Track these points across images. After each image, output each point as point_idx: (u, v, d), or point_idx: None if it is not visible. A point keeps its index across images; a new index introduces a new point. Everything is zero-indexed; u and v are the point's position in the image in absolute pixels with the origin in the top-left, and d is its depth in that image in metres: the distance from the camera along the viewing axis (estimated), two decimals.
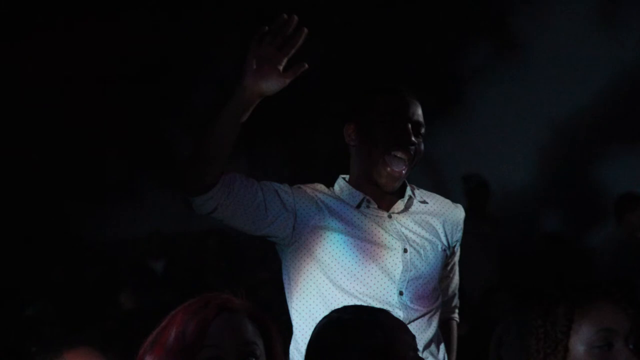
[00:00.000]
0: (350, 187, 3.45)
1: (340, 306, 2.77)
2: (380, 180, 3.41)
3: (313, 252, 3.36)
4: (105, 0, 9.91)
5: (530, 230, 9.97)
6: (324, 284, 3.34)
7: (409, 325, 2.90)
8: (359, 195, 3.43)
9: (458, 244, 3.57)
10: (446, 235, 3.49)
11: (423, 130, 3.45)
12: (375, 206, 3.43)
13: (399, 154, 3.38)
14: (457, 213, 3.56)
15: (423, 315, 3.37)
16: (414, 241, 3.41)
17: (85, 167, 10.06)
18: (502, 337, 3.97)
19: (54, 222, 9.94)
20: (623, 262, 7.51)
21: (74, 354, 2.99)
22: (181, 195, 3.33)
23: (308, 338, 2.65)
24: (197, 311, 2.30)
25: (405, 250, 3.38)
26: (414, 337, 2.60)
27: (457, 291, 3.65)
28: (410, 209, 3.47)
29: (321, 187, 3.49)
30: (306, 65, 3.22)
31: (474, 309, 6.48)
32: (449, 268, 3.57)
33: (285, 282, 3.44)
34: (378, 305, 3.10)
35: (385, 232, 3.39)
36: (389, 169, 3.38)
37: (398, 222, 3.42)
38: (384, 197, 3.44)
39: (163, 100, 10.25)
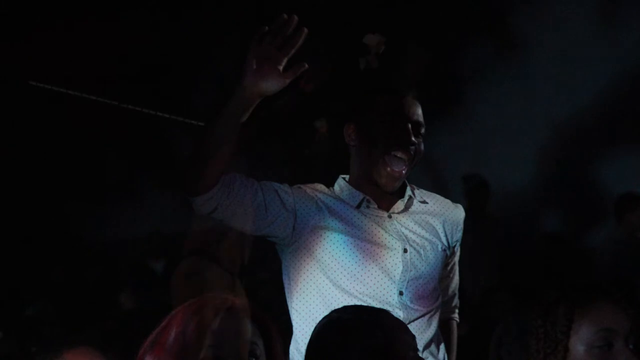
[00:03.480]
0: (350, 187, 3.45)
1: (340, 306, 2.77)
2: (380, 180, 3.41)
3: (313, 252, 3.36)
4: (105, 0, 9.91)
5: (530, 230, 9.95)
6: (324, 284, 3.34)
7: (409, 325, 2.90)
8: (359, 195, 3.42)
9: (458, 244, 3.57)
10: (446, 235, 3.49)
11: (423, 130, 3.45)
12: (375, 206, 3.42)
13: (399, 154, 3.38)
14: (457, 213, 3.56)
15: (423, 315, 3.37)
16: (414, 241, 3.41)
17: (85, 167, 10.05)
18: (502, 337, 3.99)
19: (54, 222, 9.94)
20: (623, 262, 7.51)
21: (74, 354, 2.99)
22: (181, 195, 3.33)
23: (308, 338, 2.65)
24: (197, 311, 2.30)
25: (405, 250, 3.38)
26: (414, 337, 2.60)
27: (457, 291, 3.66)
28: (410, 209, 3.47)
29: (321, 187, 3.49)
30: (306, 65, 3.22)
31: (474, 309, 6.48)
32: (449, 268, 3.57)
33: (285, 282, 3.44)
34: (378, 305, 3.10)
35: (385, 232, 3.39)
36: (389, 169, 3.38)
37: (398, 222, 3.42)
38: (384, 197, 3.44)
39: (163, 100, 10.23)
